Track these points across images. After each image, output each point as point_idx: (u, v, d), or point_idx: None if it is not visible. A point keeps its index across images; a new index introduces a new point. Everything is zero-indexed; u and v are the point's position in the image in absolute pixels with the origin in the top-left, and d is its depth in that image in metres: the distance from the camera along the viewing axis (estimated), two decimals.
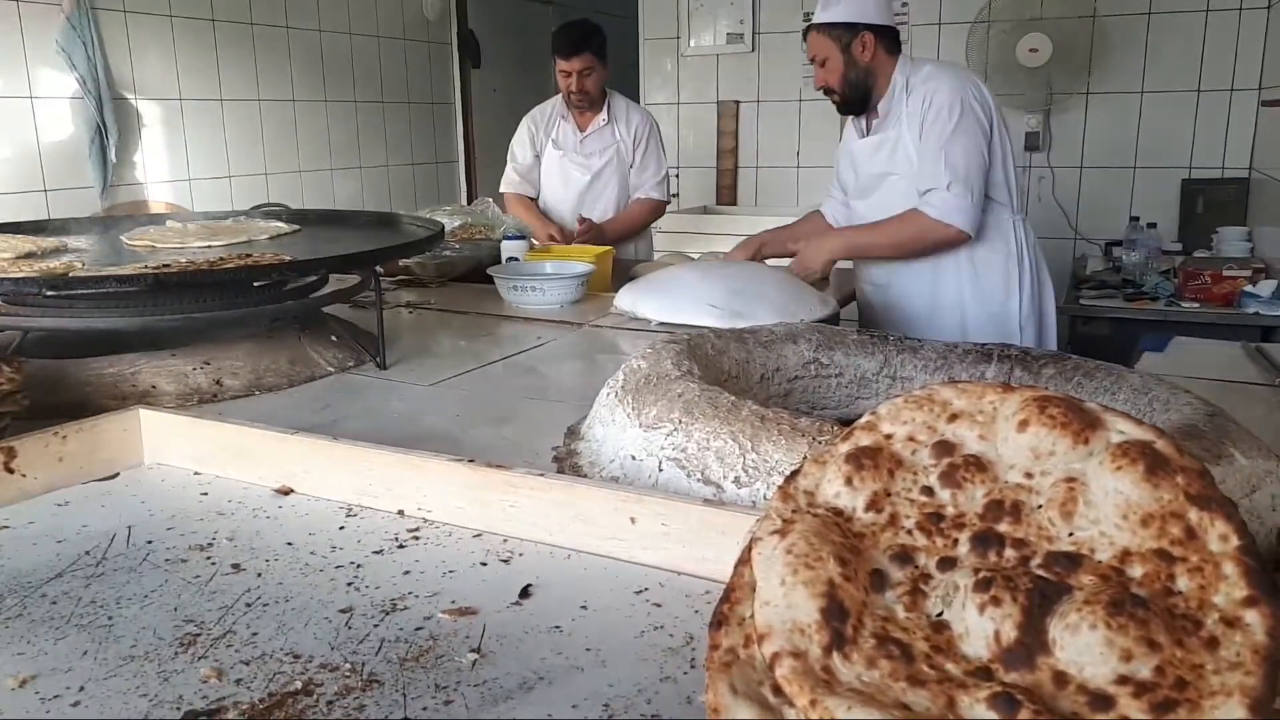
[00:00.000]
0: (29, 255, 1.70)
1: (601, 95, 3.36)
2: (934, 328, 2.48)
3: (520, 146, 3.51)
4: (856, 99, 2.60)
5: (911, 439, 0.78)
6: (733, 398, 1.04)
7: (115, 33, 3.69)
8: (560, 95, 3.43)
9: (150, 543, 0.98)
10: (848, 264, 2.82)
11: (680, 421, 1.05)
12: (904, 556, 0.71)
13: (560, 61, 3.28)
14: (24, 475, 1.10)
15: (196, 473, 1.18)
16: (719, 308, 1.90)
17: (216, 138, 4.15)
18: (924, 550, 0.71)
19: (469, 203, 5.84)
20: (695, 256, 3.01)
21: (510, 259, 2.49)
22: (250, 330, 1.67)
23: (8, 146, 3.37)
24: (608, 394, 1.25)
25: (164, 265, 1.53)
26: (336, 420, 1.44)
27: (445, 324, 2.15)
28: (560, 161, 3.43)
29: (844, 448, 0.78)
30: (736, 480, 0.95)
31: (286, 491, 1.11)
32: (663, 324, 1.99)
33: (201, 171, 4.09)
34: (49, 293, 1.30)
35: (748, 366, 1.38)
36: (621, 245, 3.32)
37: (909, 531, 0.73)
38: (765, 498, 0.93)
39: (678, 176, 4.63)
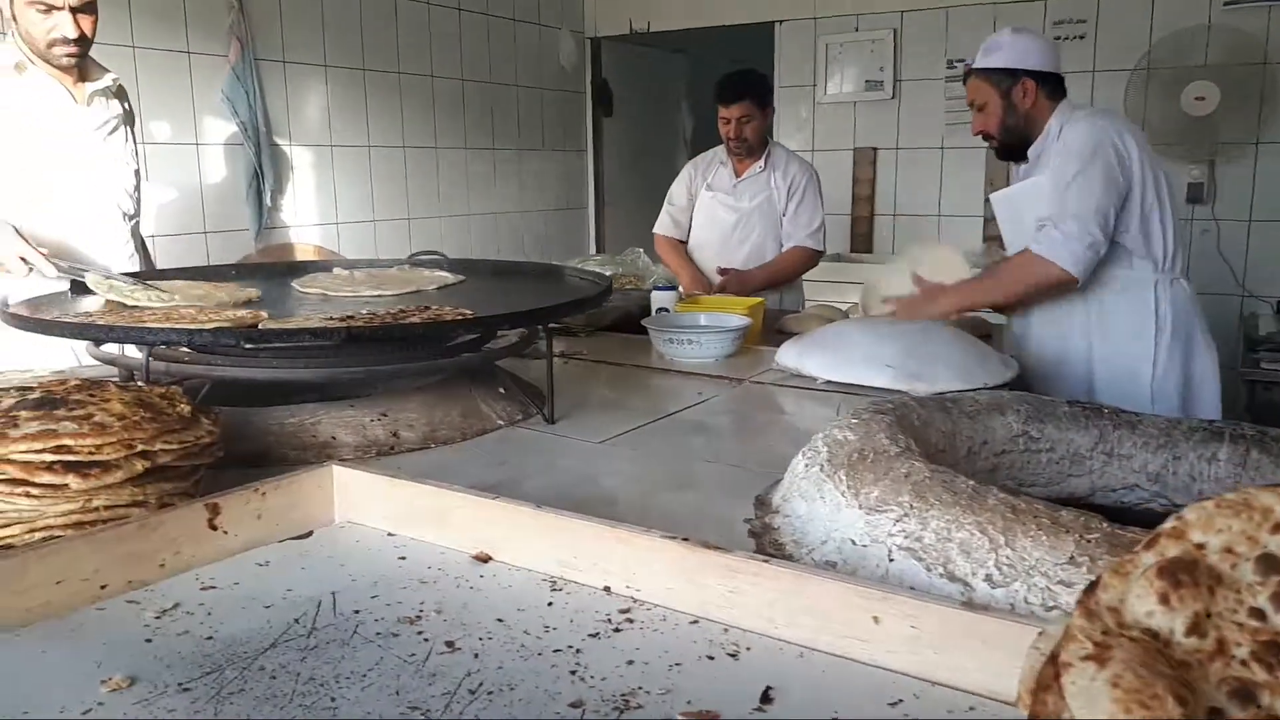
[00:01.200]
0: (219, 304, 1.74)
1: (762, 143, 3.34)
2: (1060, 382, 2.37)
3: (678, 190, 3.52)
4: (1014, 145, 2.52)
5: (1229, 551, 0.68)
6: (972, 482, 0.95)
7: (274, 81, 3.85)
8: (723, 145, 3.42)
9: (357, 612, 0.95)
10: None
11: (912, 506, 0.97)
12: (1244, 693, 0.62)
13: (721, 108, 3.28)
14: (225, 532, 1.09)
15: (390, 534, 1.15)
16: (894, 368, 1.81)
17: (363, 183, 4.27)
18: (1266, 687, 0.62)
19: (598, 250, 5.90)
20: (843, 308, 2.92)
21: (660, 309, 2.45)
22: (424, 382, 1.66)
23: (174, 190, 3.52)
24: (808, 466, 1.18)
25: (348, 317, 1.53)
26: (516, 478, 1.41)
27: (600, 375, 2.12)
28: (710, 202, 3.42)
29: (1150, 558, 0.69)
30: (989, 579, 0.86)
31: (485, 559, 1.07)
32: (830, 383, 1.91)
33: (348, 215, 4.21)
34: (248, 345, 1.30)
35: (954, 439, 1.29)
36: (769, 295, 3.25)
37: (1243, 662, 0.64)
38: (1026, 601, 0.84)
39: None
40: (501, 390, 1.75)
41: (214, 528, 1.08)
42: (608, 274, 2.58)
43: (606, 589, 0.99)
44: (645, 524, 1.01)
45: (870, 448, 1.10)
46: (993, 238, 4.60)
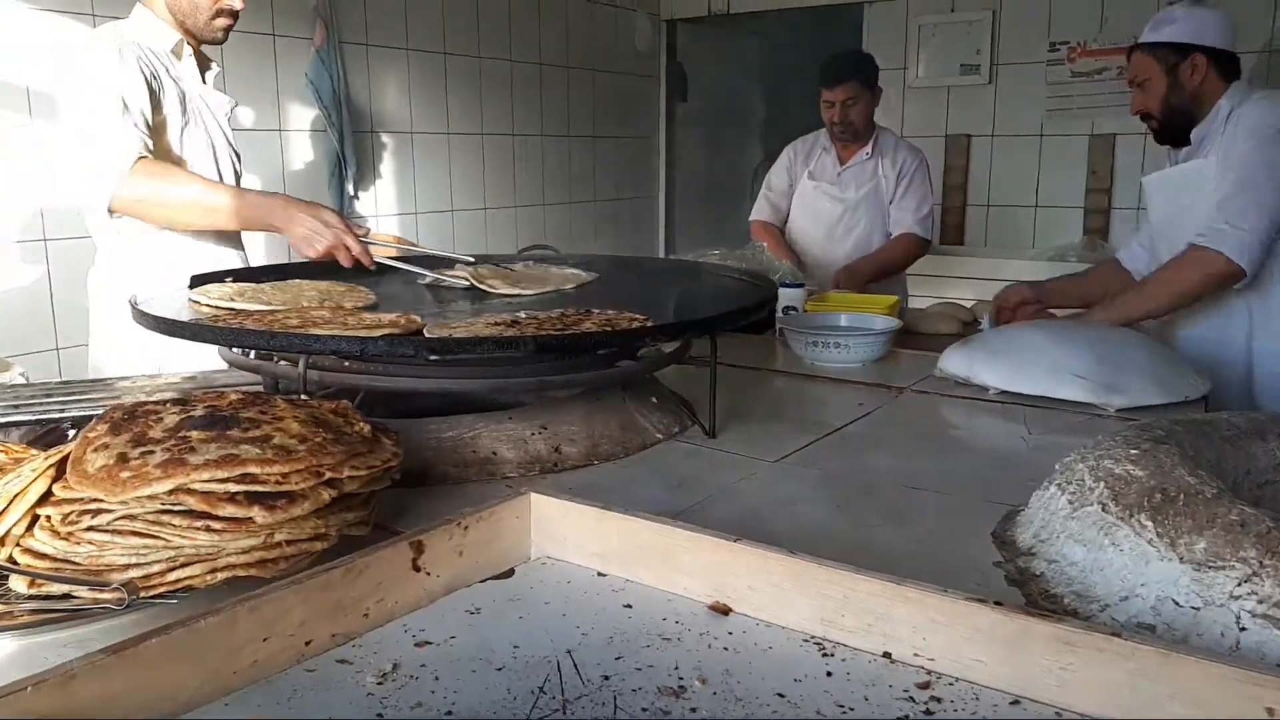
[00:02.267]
0: (338, 306, 1.62)
1: (868, 128, 3.16)
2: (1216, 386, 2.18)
3: (777, 175, 3.36)
4: (1177, 126, 2.32)
5: None
6: None
7: (357, 66, 3.73)
8: (825, 129, 3.25)
9: (607, 679, 0.81)
10: None
11: (1262, 563, 0.82)
12: None
13: (824, 91, 3.10)
14: (428, 573, 0.96)
15: (601, 574, 1.01)
16: (1085, 379, 1.64)
17: (442, 172, 4.15)
18: None
19: (667, 238, 5.75)
20: (968, 304, 2.75)
21: (788, 308, 2.30)
22: (579, 392, 1.53)
23: (259, 178, 3.41)
24: (1077, 504, 1.03)
25: (511, 321, 1.40)
26: (698, 503, 1.27)
27: (738, 381, 1.96)
28: (813, 192, 3.25)
29: None
30: None
31: (724, 610, 0.93)
32: (1003, 393, 1.75)
33: (427, 205, 4.09)
34: (432, 356, 1.17)
35: (1219, 468, 1.13)
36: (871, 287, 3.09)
37: None
38: None
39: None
40: (654, 400, 1.61)
41: (417, 569, 0.95)
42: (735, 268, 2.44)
43: (887, 655, 0.84)
44: (866, 563, 0.88)
45: (1173, 486, 0.94)
46: (1094, 231, 4.40)
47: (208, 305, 1.57)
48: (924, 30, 4.65)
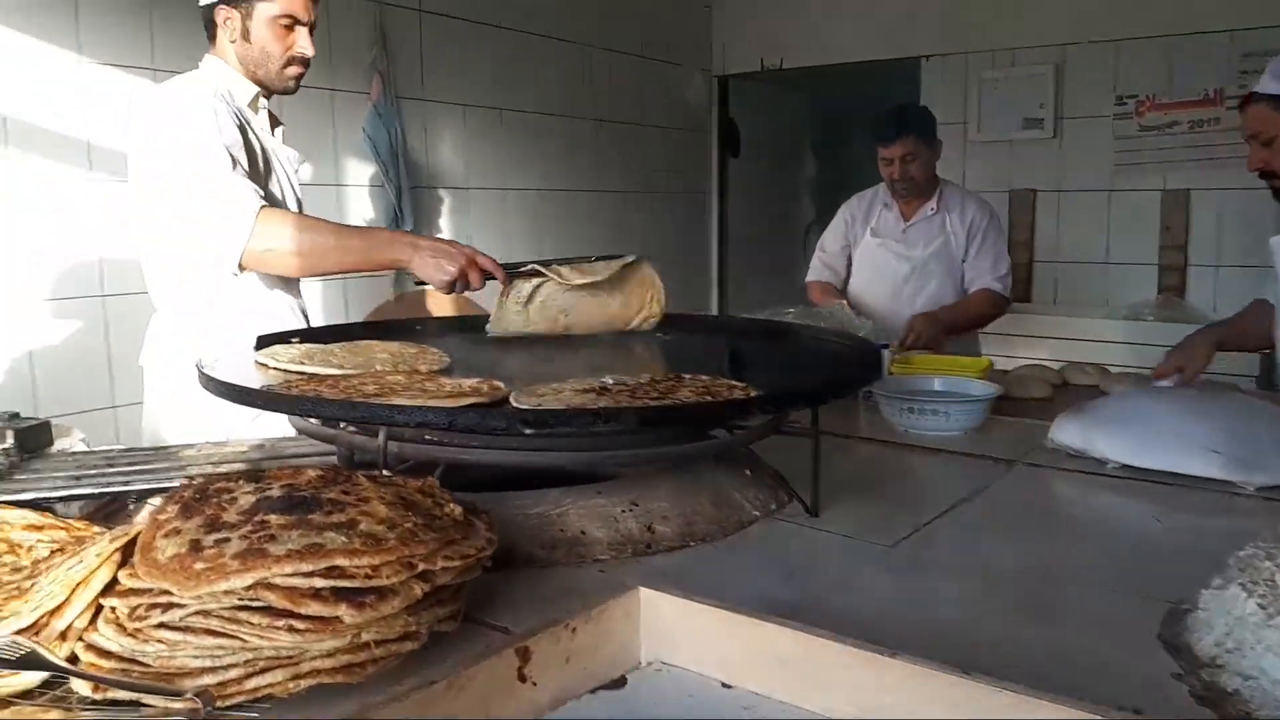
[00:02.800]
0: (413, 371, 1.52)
1: (930, 182, 3.05)
2: None
3: (832, 235, 3.24)
4: None
5: None
6: None
7: (413, 121, 3.70)
8: (884, 184, 3.14)
9: None
10: None
11: None
12: None
13: (880, 148, 2.99)
14: (534, 684, 0.84)
15: (726, 685, 0.89)
16: (1221, 454, 1.50)
17: (498, 227, 4.10)
18: None
19: (720, 296, 5.65)
20: (1056, 367, 2.60)
21: None
22: (668, 464, 1.41)
23: None
24: (1271, 611, 0.89)
25: (600, 388, 1.29)
26: (815, 597, 1.14)
27: (827, 449, 1.82)
28: (878, 250, 3.12)
29: None
30: None
31: None
32: (1124, 467, 1.61)
33: None
34: (529, 431, 1.06)
35: None
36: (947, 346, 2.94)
37: None
38: None
39: None
40: (747, 473, 1.49)
41: (523, 679, 0.83)
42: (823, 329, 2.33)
43: None
44: (1020, 672, 0.77)
45: None
46: (1169, 288, 4.24)
47: (276, 368, 1.48)
48: (984, 84, 4.56)
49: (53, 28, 2.66)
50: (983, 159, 4.59)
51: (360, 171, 3.52)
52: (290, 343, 1.71)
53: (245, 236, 1.77)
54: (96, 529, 1.14)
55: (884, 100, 5.48)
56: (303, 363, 1.49)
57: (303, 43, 1.98)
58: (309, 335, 1.76)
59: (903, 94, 5.03)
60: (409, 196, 3.62)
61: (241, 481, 1.02)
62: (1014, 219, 4.50)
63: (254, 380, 1.38)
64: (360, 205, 3.54)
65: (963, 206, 3.06)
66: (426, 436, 1.21)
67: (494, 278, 1.84)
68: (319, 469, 1.05)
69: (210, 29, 1.99)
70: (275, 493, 0.97)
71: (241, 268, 1.82)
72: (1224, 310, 4.14)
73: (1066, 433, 1.70)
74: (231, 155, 1.82)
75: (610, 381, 1.37)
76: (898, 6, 4.72)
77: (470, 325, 2.05)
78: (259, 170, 1.95)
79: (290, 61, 1.99)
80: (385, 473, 1.09)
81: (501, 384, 1.33)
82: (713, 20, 5.30)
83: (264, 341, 1.66)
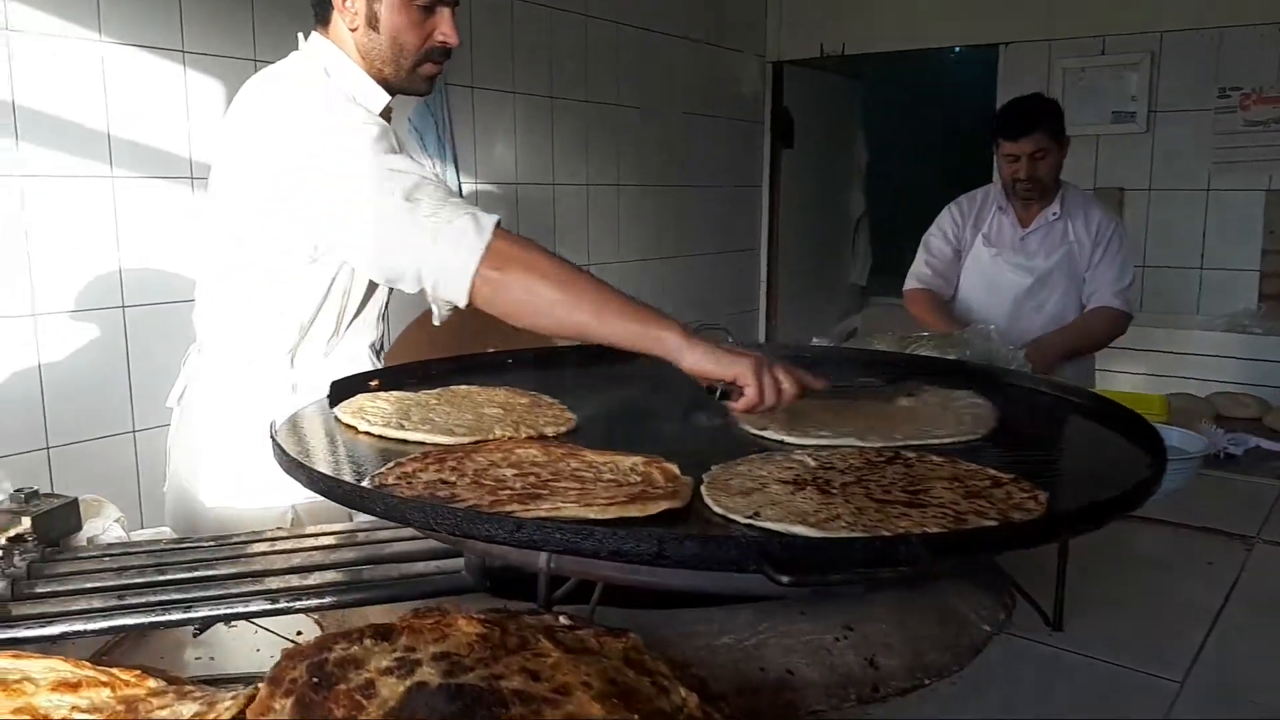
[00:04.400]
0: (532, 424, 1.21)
1: (1055, 184, 2.72)
2: None
3: (939, 239, 2.89)
4: None
5: None
6: None
7: (462, 111, 3.38)
8: (998, 183, 2.81)
9: None
10: None
11: None
12: None
13: (1006, 143, 2.66)
14: None
15: None
16: None
17: (547, 225, 3.78)
18: None
19: (769, 291, 5.33)
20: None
21: None
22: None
23: None
24: None
25: (811, 479, 0.97)
26: None
27: None
28: (992, 261, 2.78)
29: None
30: None
31: None
32: None
33: None
34: (785, 580, 0.75)
35: None
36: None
37: None
38: None
39: None
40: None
41: None
42: (949, 359, 2.01)
43: None
44: None
45: None
46: (1270, 297, 3.91)
47: (369, 433, 1.17)
48: (1069, 74, 4.22)
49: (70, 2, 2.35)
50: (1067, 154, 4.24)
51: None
52: (369, 388, 1.40)
53: (479, 257, 1.29)
54: (152, 684, 0.83)
55: (950, 88, 5.18)
56: (401, 424, 1.18)
57: (446, 29, 1.48)
58: (390, 377, 1.45)
59: (974, 83, 4.71)
60: (457, 191, 3.30)
61: (370, 644, 0.71)
62: None
63: (343, 456, 1.06)
64: None
65: (1087, 212, 2.73)
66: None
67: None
68: (474, 618, 0.74)
69: (322, 8, 1.51)
70: (430, 677, 0.66)
71: (470, 301, 1.32)
72: None
73: None
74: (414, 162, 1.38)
75: (811, 462, 1.05)
76: None
77: (550, 355, 1.74)
78: None
79: (428, 57, 1.51)
80: (564, 620, 0.77)
81: (673, 466, 1.01)
82: (768, 4, 4.96)
83: (340, 390, 1.35)
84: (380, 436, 1.16)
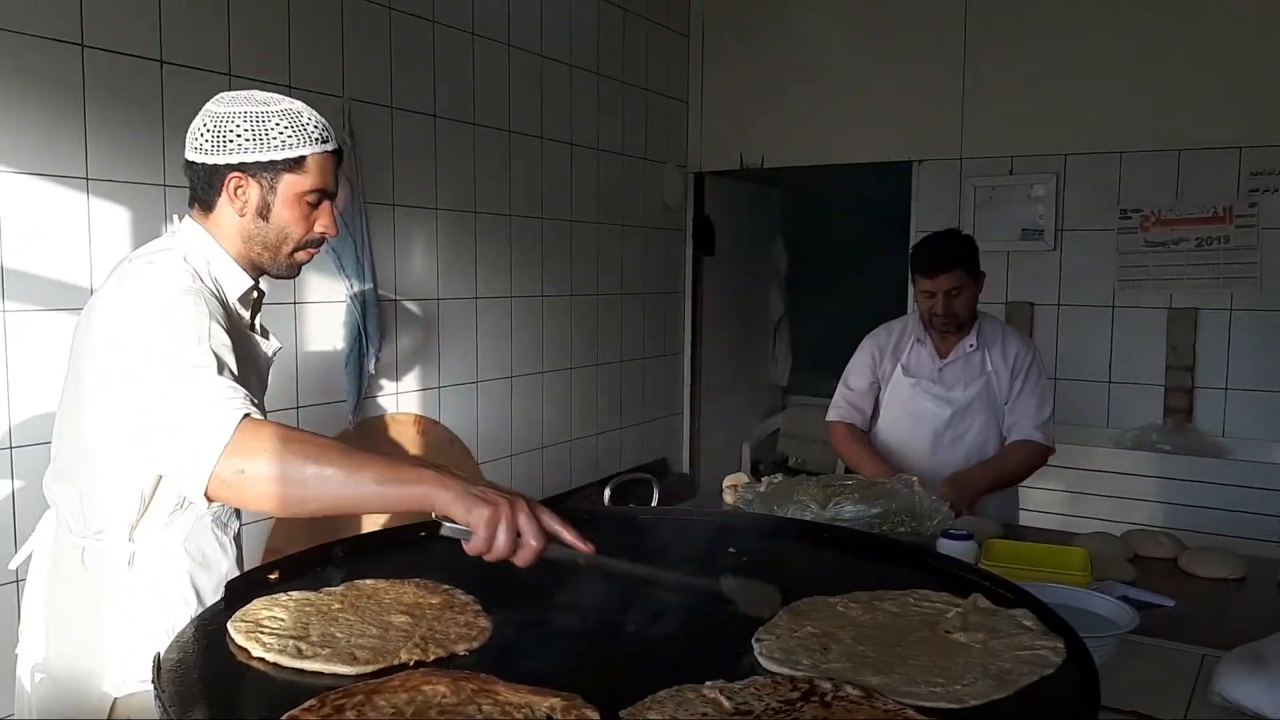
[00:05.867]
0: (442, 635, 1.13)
1: (971, 317, 2.76)
2: None
3: (856, 373, 2.91)
4: None
5: None
6: None
7: (382, 228, 3.33)
8: (914, 314, 2.85)
9: None
10: None
11: None
12: None
13: (923, 280, 2.70)
14: None
15: None
16: None
17: (468, 341, 3.72)
18: None
19: (693, 395, 5.32)
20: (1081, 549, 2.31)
21: None
22: None
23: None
24: None
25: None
26: None
27: None
28: (911, 391, 2.80)
29: None
30: None
31: None
32: None
33: (451, 379, 3.64)
34: None
35: None
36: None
37: None
38: None
39: None
40: None
41: None
42: (874, 511, 2.00)
43: None
44: None
45: None
46: (1176, 410, 4.04)
47: (261, 660, 1.08)
48: (980, 191, 4.37)
49: None
50: None
51: (321, 287, 3.12)
52: (270, 581, 1.31)
53: (215, 455, 1.28)
54: None
55: (868, 198, 5.32)
56: (299, 649, 1.09)
57: (326, 221, 1.60)
58: (286, 570, 1.36)
59: (889, 190, 4.84)
60: (375, 313, 3.23)
61: None
62: None
63: (244, 702, 0.97)
64: (319, 325, 3.14)
65: (1004, 342, 2.78)
66: None
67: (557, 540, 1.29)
68: None
69: (207, 195, 1.57)
70: None
71: (208, 498, 1.31)
72: (1233, 434, 3.97)
73: (1246, 691, 1.38)
74: (218, 358, 1.40)
75: (726, 703, 1.00)
76: (889, 109, 4.53)
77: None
78: (249, 381, 1.52)
79: (308, 244, 1.61)
80: None
81: (593, 714, 0.95)
82: (689, 117, 5.06)
83: (236, 592, 1.25)
84: (275, 664, 1.07)
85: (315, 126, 1.56)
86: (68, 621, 1.52)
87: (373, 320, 3.23)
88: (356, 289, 3.18)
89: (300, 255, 1.62)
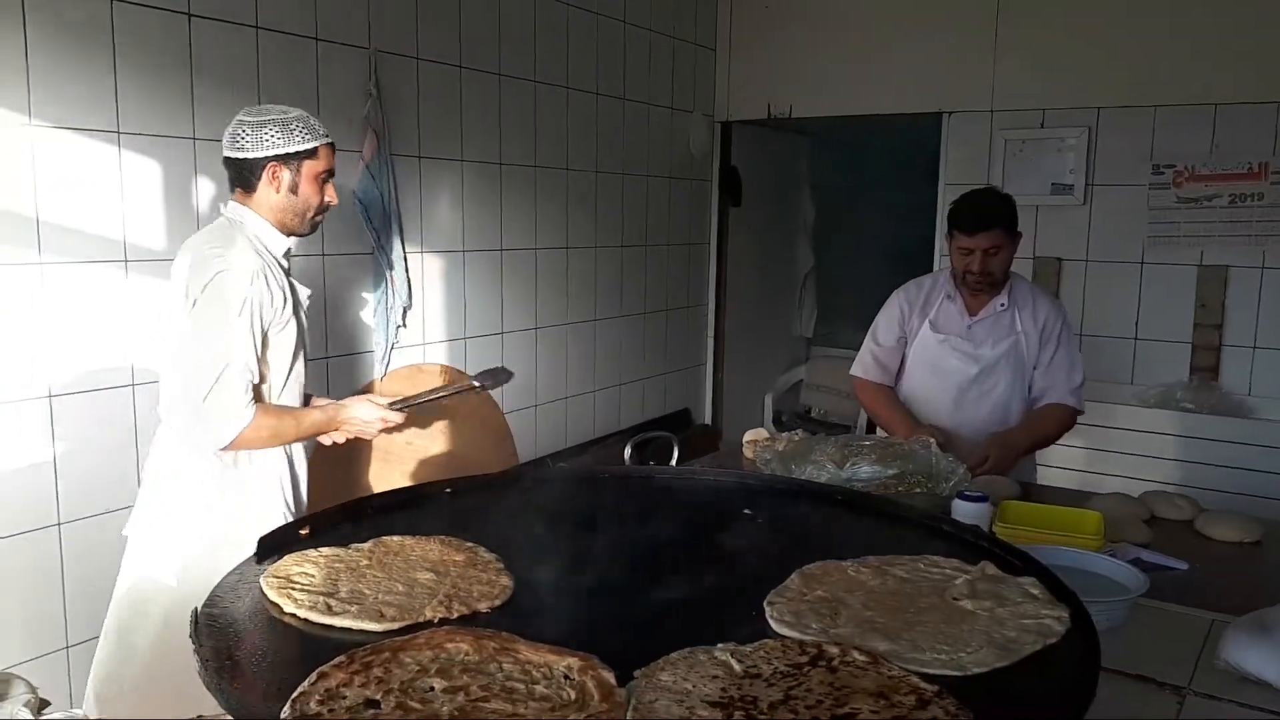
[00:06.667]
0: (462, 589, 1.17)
1: (1006, 277, 2.75)
2: None
3: (885, 326, 2.90)
4: None
5: None
6: None
7: (408, 181, 3.35)
8: (946, 270, 2.83)
9: None
10: None
11: None
12: None
13: (961, 237, 2.67)
14: None
15: None
16: None
17: (494, 291, 3.76)
18: None
19: (716, 348, 5.34)
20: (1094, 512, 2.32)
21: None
22: None
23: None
24: None
25: (740, 698, 0.96)
26: None
27: None
28: (939, 348, 2.79)
29: None
30: None
31: None
32: None
33: (477, 329, 3.68)
34: None
35: None
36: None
37: None
38: None
39: None
40: None
41: None
42: (890, 473, 2.02)
43: None
44: None
45: None
46: (1203, 369, 4.02)
47: (294, 617, 1.13)
48: (1010, 144, 4.31)
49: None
50: None
51: (349, 239, 3.15)
52: (299, 536, 1.36)
53: (235, 432, 1.99)
54: None
55: (898, 149, 5.26)
56: (328, 605, 1.14)
57: (331, 193, 2.22)
58: (317, 525, 1.41)
59: (919, 145, 4.79)
60: (403, 264, 3.27)
61: None
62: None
63: (278, 658, 1.03)
64: (348, 274, 3.18)
65: (1034, 304, 2.76)
66: None
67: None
68: None
69: (249, 181, 2.12)
70: None
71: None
72: (1260, 394, 3.95)
73: (1251, 658, 1.41)
74: (250, 367, 2.01)
75: (736, 666, 1.04)
76: (919, 59, 4.46)
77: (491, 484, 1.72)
78: (275, 320, 2.08)
79: (321, 210, 2.21)
80: None
81: (608, 674, 0.99)
82: (717, 66, 5.00)
83: (268, 546, 1.31)
84: (306, 620, 1.12)
85: (319, 126, 2.16)
86: (181, 524, 2.02)
87: (400, 272, 3.26)
88: (383, 241, 3.21)
89: (318, 219, 2.22)
